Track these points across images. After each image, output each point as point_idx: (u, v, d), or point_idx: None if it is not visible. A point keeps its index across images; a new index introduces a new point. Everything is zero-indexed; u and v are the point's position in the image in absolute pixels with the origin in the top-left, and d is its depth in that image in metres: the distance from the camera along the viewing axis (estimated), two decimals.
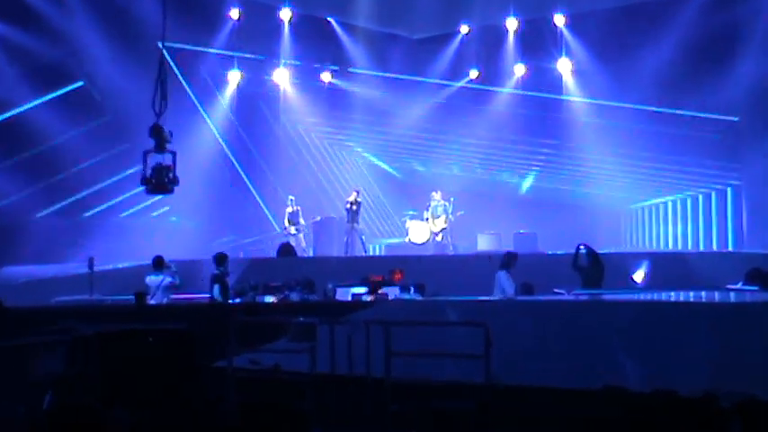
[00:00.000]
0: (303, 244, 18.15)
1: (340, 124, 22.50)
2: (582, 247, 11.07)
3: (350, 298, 10.73)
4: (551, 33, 18.56)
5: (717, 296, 8.55)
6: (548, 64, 18.88)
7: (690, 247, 20.13)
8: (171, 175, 8.06)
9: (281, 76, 20.03)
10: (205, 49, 18.77)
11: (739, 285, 9.75)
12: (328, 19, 19.66)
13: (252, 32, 18.85)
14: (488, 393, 5.88)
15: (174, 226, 19.98)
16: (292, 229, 18.03)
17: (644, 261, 13.68)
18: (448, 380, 6.26)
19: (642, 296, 9.48)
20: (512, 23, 18.89)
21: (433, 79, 19.95)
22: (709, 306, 7.65)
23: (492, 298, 9.97)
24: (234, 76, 19.62)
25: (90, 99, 17.48)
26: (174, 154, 8.13)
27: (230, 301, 10.73)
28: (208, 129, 19.94)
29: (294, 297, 10.53)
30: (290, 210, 18.28)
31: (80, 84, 17.30)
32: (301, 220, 18.32)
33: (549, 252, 16.56)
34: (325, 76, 20.43)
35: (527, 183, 23.49)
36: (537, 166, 23.05)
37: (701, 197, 20.51)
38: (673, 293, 9.15)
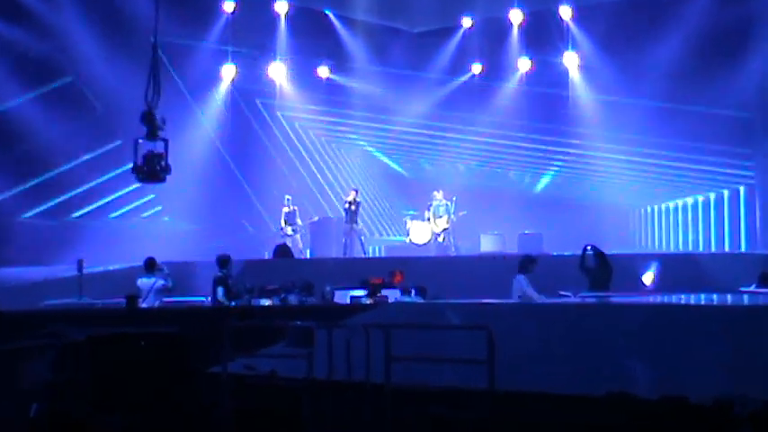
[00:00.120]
0: (300, 245, 18.17)
1: (338, 121, 22.51)
2: (589, 247, 11.07)
3: (348, 301, 10.74)
4: (557, 26, 18.56)
5: (729, 299, 8.56)
6: (553, 58, 18.89)
7: (701, 248, 20.15)
8: (163, 163, 8.06)
9: (277, 72, 20.04)
10: (198, 44, 18.77)
11: (752, 288, 9.77)
12: (326, 12, 19.67)
13: (247, 26, 18.85)
14: (491, 400, 5.89)
15: (166, 226, 20.00)
16: (289, 230, 18.04)
17: (653, 262, 13.68)
18: (450, 386, 6.27)
19: (651, 299, 9.49)
20: (516, 16, 18.89)
21: (435, 74, 19.95)
22: (720, 309, 7.66)
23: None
24: (228, 72, 19.62)
25: (79, 95, 17.48)
26: (166, 141, 8.13)
27: (233, 303, 10.75)
28: (201, 126, 19.95)
29: (292, 300, 10.54)
30: (286, 210, 18.29)
31: (69, 79, 17.30)
32: (298, 221, 18.33)
33: (555, 253, 16.56)
34: (323, 72, 20.44)
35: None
36: (541, 164, 23.07)
37: (712, 196, 20.53)
38: (683, 296, 9.17)
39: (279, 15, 19.23)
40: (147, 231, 19.00)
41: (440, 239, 18.18)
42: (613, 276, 10.80)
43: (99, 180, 18.50)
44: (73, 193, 18.19)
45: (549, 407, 6.01)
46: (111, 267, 14.69)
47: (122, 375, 7.07)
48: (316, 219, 19.92)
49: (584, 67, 18.62)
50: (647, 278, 13.29)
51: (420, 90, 20.25)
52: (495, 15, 19.12)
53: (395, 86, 20.20)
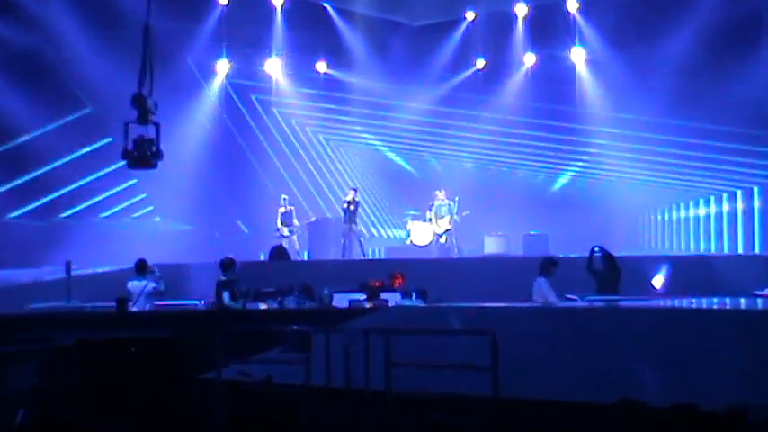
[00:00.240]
0: (297, 246, 18.17)
1: (336, 118, 22.52)
2: (596, 249, 11.08)
3: (347, 304, 10.75)
4: (564, 19, 18.57)
5: (742, 303, 8.57)
6: (560, 52, 18.90)
7: (713, 250, 20.15)
8: (154, 148, 8.06)
9: (274, 66, 20.05)
10: (191, 37, 18.77)
11: (767, 291, 9.77)
12: (324, 5, 19.69)
13: (242, 19, 18.86)
14: (495, 407, 5.90)
15: (158, 227, 20.01)
16: (285, 231, 18.05)
17: (663, 265, 13.69)
18: (452, 392, 6.27)
19: (661, 303, 9.49)
20: (521, 9, 18.90)
21: (436, 70, 19.95)
22: (734, 313, 7.66)
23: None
24: (222, 67, 19.63)
25: (67, 90, 17.48)
26: (157, 126, 8.14)
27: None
28: (194, 123, 19.95)
29: (290, 303, 10.55)
30: (282, 210, 18.30)
31: (57, 74, 17.28)
32: (295, 221, 18.34)
33: (561, 255, 16.55)
34: (321, 67, 20.45)
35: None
36: (546, 162, 23.08)
37: (725, 196, 20.53)
38: (695, 300, 9.17)
39: (275, 8, 19.24)
40: (138, 232, 19.01)
41: (442, 241, 18.18)
42: (622, 279, 10.81)
43: (88, 178, 18.51)
44: (61, 192, 18.20)
45: (554, 414, 6.01)
46: (100, 269, 14.69)
47: (113, 381, 7.07)
48: (313, 219, 19.91)
49: (592, 62, 18.63)
50: (657, 281, 13.30)
51: (421, 86, 20.26)
52: (499, 8, 19.14)
53: (395, 82, 20.21)
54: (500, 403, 5.92)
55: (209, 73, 19.89)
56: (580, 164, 22.39)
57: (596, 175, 22.70)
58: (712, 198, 21.10)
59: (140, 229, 19.48)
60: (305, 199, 22.34)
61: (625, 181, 22.20)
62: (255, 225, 21.87)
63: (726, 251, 19.39)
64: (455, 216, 18.14)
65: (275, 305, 10.67)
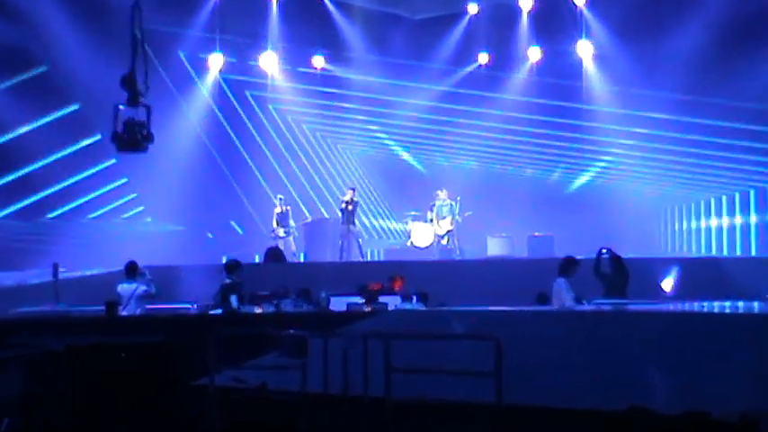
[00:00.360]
0: (293, 248, 18.19)
1: (334, 115, 22.54)
2: (604, 251, 11.07)
3: (345, 308, 10.75)
4: (570, 13, 18.56)
5: (756, 306, 8.57)
6: (566, 47, 18.90)
7: (725, 252, 20.17)
8: (145, 131, 8.09)
9: (269, 61, 20.05)
10: (183, 31, 18.78)
11: None
12: None
13: (236, 12, 18.85)
14: (498, 414, 5.90)
15: (148, 228, 20.02)
16: (281, 232, 18.06)
17: (673, 267, 13.70)
18: (454, 399, 6.27)
19: (671, 306, 9.50)
20: (525, 2, 18.90)
21: (438, 65, 19.96)
22: (746, 317, 7.66)
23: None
24: (216, 61, 19.63)
25: (54, 86, 17.48)
26: (148, 108, 8.16)
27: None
28: (186, 120, 19.96)
29: (287, 306, 10.55)
30: (278, 210, 18.31)
31: (43, 69, 17.30)
32: (291, 222, 18.35)
33: None
34: (318, 62, 20.45)
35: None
36: (552, 160, 23.10)
37: (737, 195, 20.56)
38: (706, 303, 9.17)
39: (270, 0, 19.24)
40: (128, 233, 19.01)
41: (443, 242, 18.20)
42: (630, 282, 10.81)
43: (76, 178, 18.51)
44: (48, 191, 18.20)
45: (559, 422, 6.02)
46: (89, 272, 14.70)
47: (102, 388, 7.07)
48: (309, 220, 19.93)
49: (599, 57, 18.63)
50: (667, 284, 13.31)
51: (422, 82, 20.28)
52: (502, 1, 19.15)
53: (395, 78, 20.22)
54: (504, 410, 5.92)
55: (201, 68, 19.89)
56: (586, 162, 22.41)
57: (603, 174, 22.72)
58: (724, 198, 21.12)
59: (130, 230, 19.48)
60: (301, 199, 22.37)
61: (633, 180, 22.23)
62: (250, 226, 21.90)
63: (738, 253, 19.41)
64: (457, 216, 18.16)
65: (271, 308, 10.68)
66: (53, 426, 5.00)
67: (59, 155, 17.91)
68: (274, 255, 15.88)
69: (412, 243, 18.60)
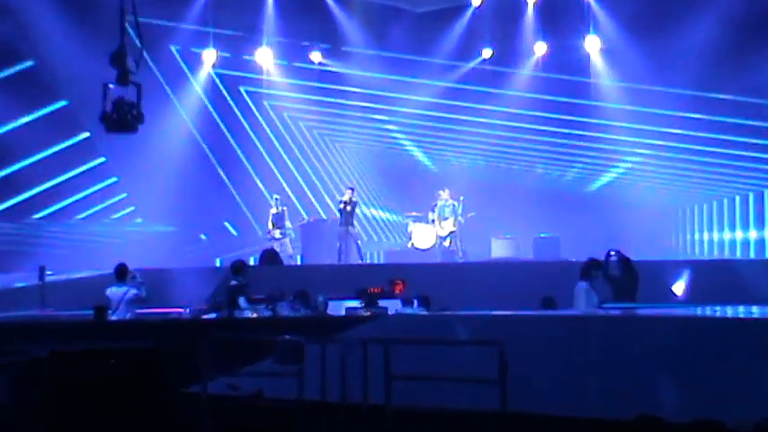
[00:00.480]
0: (290, 250, 18.19)
1: (332, 111, 22.54)
2: (612, 253, 11.06)
3: (343, 313, 10.75)
4: (577, 6, 18.55)
5: None
6: (573, 42, 18.89)
7: (738, 254, 20.17)
8: (135, 111, 8.09)
9: (264, 56, 20.04)
10: (175, 25, 18.78)
11: None
12: None
13: (230, 4, 18.86)
14: (503, 423, 5.90)
15: (139, 229, 20.01)
16: (277, 233, 18.06)
17: (685, 270, 13.70)
18: (456, 407, 6.27)
19: (683, 311, 9.49)
20: None
21: (440, 60, 19.97)
22: (761, 323, 7.66)
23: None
24: (209, 56, 19.62)
25: (41, 82, 17.48)
26: (138, 86, 8.16)
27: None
28: (178, 117, 19.97)
29: (284, 310, 10.56)
30: (274, 211, 18.31)
31: (29, 63, 17.30)
32: (287, 223, 18.35)
33: (574, 259, 16.56)
34: (315, 56, 20.45)
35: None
36: (558, 159, 23.09)
37: (751, 195, 20.55)
38: (718, 308, 9.17)
39: None
40: (117, 234, 19.01)
41: (445, 244, 18.20)
42: (640, 285, 10.81)
43: (64, 177, 18.50)
44: (34, 191, 18.19)
45: (566, 431, 6.02)
46: (77, 275, 14.70)
47: (90, 396, 7.07)
48: (307, 221, 19.93)
49: (608, 52, 18.62)
50: (679, 287, 13.31)
51: (423, 77, 20.28)
52: None
53: (395, 73, 20.22)
54: (508, 419, 5.92)
55: (194, 62, 19.89)
56: (593, 161, 22.40)
57: (611, 173, 22.72)
58: (738, 198, 21.12)
59: (120, 231, 19.48)
60: (298, 199, 22.36)
61: (643, 179, 22.22)
62: (245, 227, 21.89)
63: (752, 255, 19.41)
64: (460, 217, 18.15)
65: (267, 312, 10.68)
66: None
67: (46, 153, 17.89)
68: (270, 257, 15.87)
69: (413, 245, 18.60)
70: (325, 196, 23.06)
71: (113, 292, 11.38)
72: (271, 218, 18.27)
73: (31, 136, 17.21)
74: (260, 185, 21.71)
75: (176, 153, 18.96)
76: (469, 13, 19.61)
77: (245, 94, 21.79)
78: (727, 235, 21.43)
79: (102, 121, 8.18)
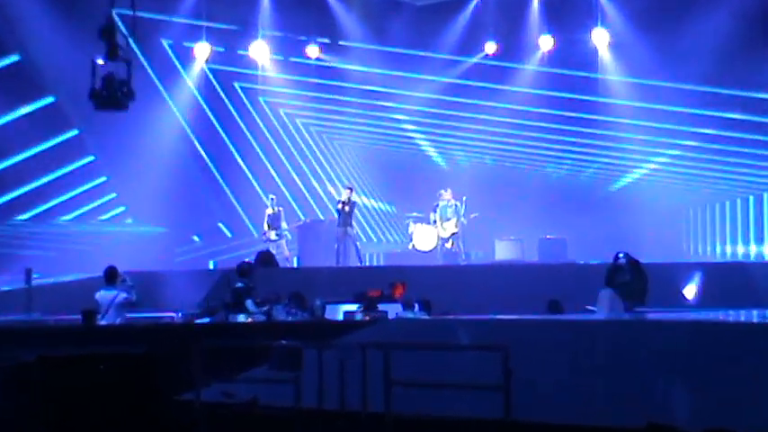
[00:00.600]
0: (286, 252, 18.19)
1: (330, 108, 22.55)
2: (621, 255, 11.08)
3: (342, 317, 10.76)
4: None
5: None
6: (580, 35, 18.90)
7: (751, 257, 20.18)
8: (125, 88, 8.10)
9: (260, 51, 20.04)
10: (167, 18, 18.78)
11: None
12: None
13: None
14: (507, 431, 5.90)
15: (130, 230, 20.02)
16: (273, 235, 18.06)
17: (696, 273, 13.71)
18: (459, 415, 6.28)
19: (694, 315, 9.50)
20: None
21: (442, 54, 19.98)
22: None
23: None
24: (202, 50, 19.62)
25: (27, 77, 17.48)
26: (128, 63, 8.17)
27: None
28: (171, 114, 19.97)
29: (279, 313, 10.57)
30: (270, 211, 18.31)
31: (15, 58, 17.30)
32: (283, 224, 18.35)
33: (582, 261, 16.60)
34: (312, 51, 20.44)
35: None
36: (564, 157, 23.11)
37: (765, 195, 20.57)
38: (731, 312, 9.18)
39: None
40: (107, 236, 19.01)
41: (448, 246, 18.20)
42: (650, 288, 10.81)
43: (51, 176, 18.51)
44: (20, 191, 18.20)
45: None
46: (64, 278, 14.71)
47: (79, 403, 7.07)
48: (303, 222, 19.94)
49: (616, 46, 18.62)
50: (690, 291, 13.31)
51: (424, 73, 20.28)
52: None
53: (395, 68, 20.23)
54: (512, 427, 5.92)
55: (186, 57, 19.89)
56: (602, 159, 22.43)
57: (619, 172, 22.73)
58: (751, 198, 21.13)
59: (110, 232, 19.49)
60: (295, 199, 22.37)
61: (652, 179, 22.23)
62: (239, 228, 21.89)
63: (766, 257, 19.42)
64: (462, 218, 18.15)
65: (262, 317, 10.69)
66: None
67: (33, 151, 17.89)
68: (265, 259, 15.86)
69: (414, 246, 18.61)
70: (323, 196, 23.06)
71: (103, 295, 11.38)
72: (266, 218, 18.27)
73: (17, 133, 17.20)
74: (255, 185, 21.72)
75: (168, 151, 18.97)
76: (472, 5, 19.59)
77: (239, 90, 21.80)
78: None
79: (91, 98, 8.19)
